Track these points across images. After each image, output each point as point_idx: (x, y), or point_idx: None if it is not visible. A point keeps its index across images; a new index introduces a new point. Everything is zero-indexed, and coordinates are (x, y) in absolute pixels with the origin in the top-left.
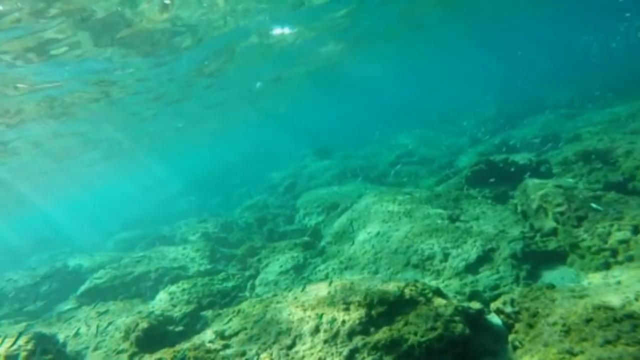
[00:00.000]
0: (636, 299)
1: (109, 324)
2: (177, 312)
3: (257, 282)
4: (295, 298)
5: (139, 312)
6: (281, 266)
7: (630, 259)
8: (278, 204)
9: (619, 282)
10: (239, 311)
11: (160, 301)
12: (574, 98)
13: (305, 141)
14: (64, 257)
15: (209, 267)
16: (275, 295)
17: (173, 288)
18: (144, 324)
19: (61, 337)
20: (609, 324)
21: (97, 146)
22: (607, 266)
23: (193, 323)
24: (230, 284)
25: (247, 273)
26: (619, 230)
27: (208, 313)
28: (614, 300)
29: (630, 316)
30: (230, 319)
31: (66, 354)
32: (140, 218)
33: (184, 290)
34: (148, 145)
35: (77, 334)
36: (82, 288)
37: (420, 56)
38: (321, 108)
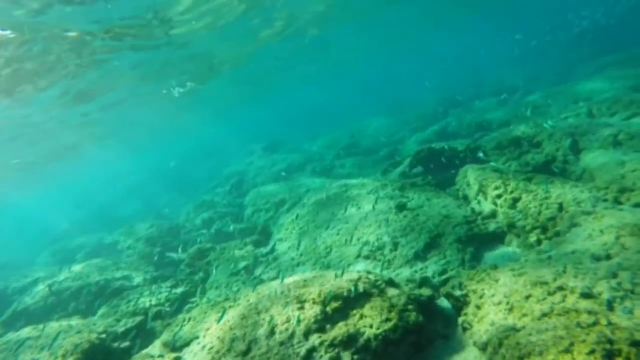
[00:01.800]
0: (564, 271)
1: (42, 349)
2: (121, 327)
3: (207, 286)
4: (248, 301)
5: (78, 332)
6: (232, 267)
7: (557, 234)
8: (225, 203)
9: (550, 257)
10: (190, 319)
11: (103, 316)
12: (503, 88)
13: (255, 136)
14: None
15: (155, 274)
16: (227, 299)
17: (116, 301)
18: (84, 345)
19: None
20: (544, 298)
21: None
22: (539, 243)
23: (140, 337)
24: (179, 291)
25: (196, 277)
26: (547, 208)
27: (157, 324)
28: (547, 274)
29: (561, 288)
30: (181, 329)
31: None
32: (78, 226)
33: (128, 302)
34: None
35: None
36: (8, 312)
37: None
38: (269, 102)
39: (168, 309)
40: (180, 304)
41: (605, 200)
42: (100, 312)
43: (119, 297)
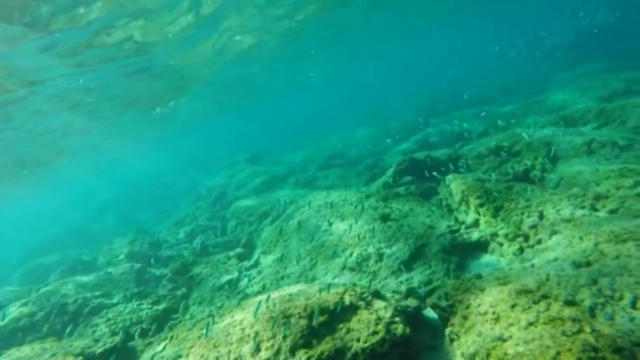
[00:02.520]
0: (547, 279)
1: None
2: (100, 347)
3: (190, 301)
4: (232, 316)
5: (53, 355)
6: (215, 281)
7: (539, 242)
8: (208, 216)
9: (532, 265)
10: (172, 337)
11: (80, 336)
12: (481, 97)
13: (239, 147)
14: None
15: (136, 290)
16: (210, 314)
17: (95, 320)
18: None
19: None
20: (529, 307)
21: None
22: (521, 251)
23: (120, 357)
24: (160, 307)
25: (179, 292)
26: (528, 217)
27: (138, 343)
28: (531, 282)
29: (545, 296)
30: (164, 347)
31: None
32: (54, 241)
33: (107, 320)
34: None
35: None
36: None
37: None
38: (254, 114)
39: (149, 327)
40: (162, 321)
41: (583, 207)
42: (77, 332)
43: (98, 315)
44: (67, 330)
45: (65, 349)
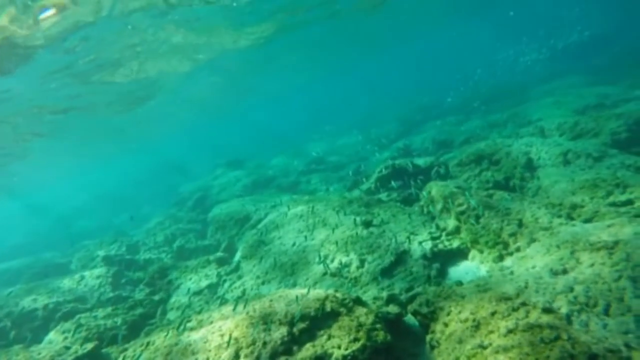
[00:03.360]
0: (526, 287)
1: None
2: (71, 355)
3: (168, 306)
4: (211, 322)
5: None
6: (194, 286)
7: (518, 249)
8: (188, 219)
9: (512, 272)
10: (148, 343)
11: (51, 343)
12: (463, 106)
13: (218, 152)
14: None
15: (111, 295)
16: (188, 320)
17: (67, 325)
18: None
19: None
20: (509, 314)
21: None
22: (501, 258)
23: None
24: (137, 312)
25: (156, 297)
26: (508, 224)
27: (112, 349)
28: (510, 290)
29: (524, 303)
30: (140, 355)
31: None
32: (25, 244)
33: (80, 326)
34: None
35: None
36: None
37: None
38: (234, 118)
39: (125, 332)
40: (138, 327)
41: (560, 216)
42: (48, 338)
43: (70, 321)
44: (37, 338)
45: (33, 357)
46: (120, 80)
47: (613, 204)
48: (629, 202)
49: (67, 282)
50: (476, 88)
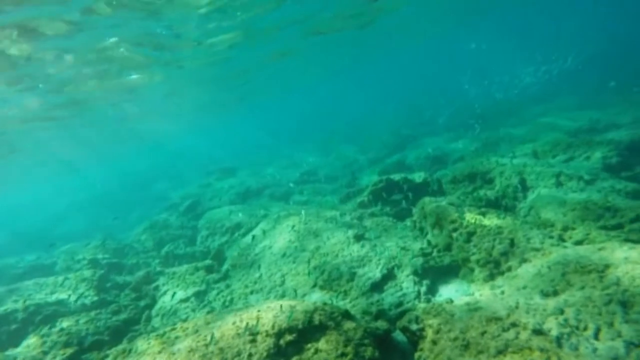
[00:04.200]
0: (516, 307)
1: None
2: None
3: (153, 312)
4: (197, 331)
5: None
6: (181, 293)
7: (509, 269)
8: (178, 225)
9: (502, 292)
10: (130, 351)
11: (28, 347)
12: (459, 123)
13: (211, 160)
14: None
15: (95, 299)
16: (173, 328)
17: (46, 329)
18: None
19: None
20: (499, 334)
21: None
22: (492, 277)
23: None
24: (121, 317)
25: (142, 303)
26: (500, 243)
27: (92, 356)
28: (501, 310)
29: (514, 324)
30: None
31: None
32: (9, 243)
33: (61, 330)
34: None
35: None
36: None
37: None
38: (226, 128)
39: (107, 338)
40: (121, 333)
41: (551, 237)
42: (26, 342)
43: (51, 324)
44: (14, 341)
45: None
46: None
47: (604, 227)
48: (619, 226)
49: (50, 285)
50: (471, 106)
